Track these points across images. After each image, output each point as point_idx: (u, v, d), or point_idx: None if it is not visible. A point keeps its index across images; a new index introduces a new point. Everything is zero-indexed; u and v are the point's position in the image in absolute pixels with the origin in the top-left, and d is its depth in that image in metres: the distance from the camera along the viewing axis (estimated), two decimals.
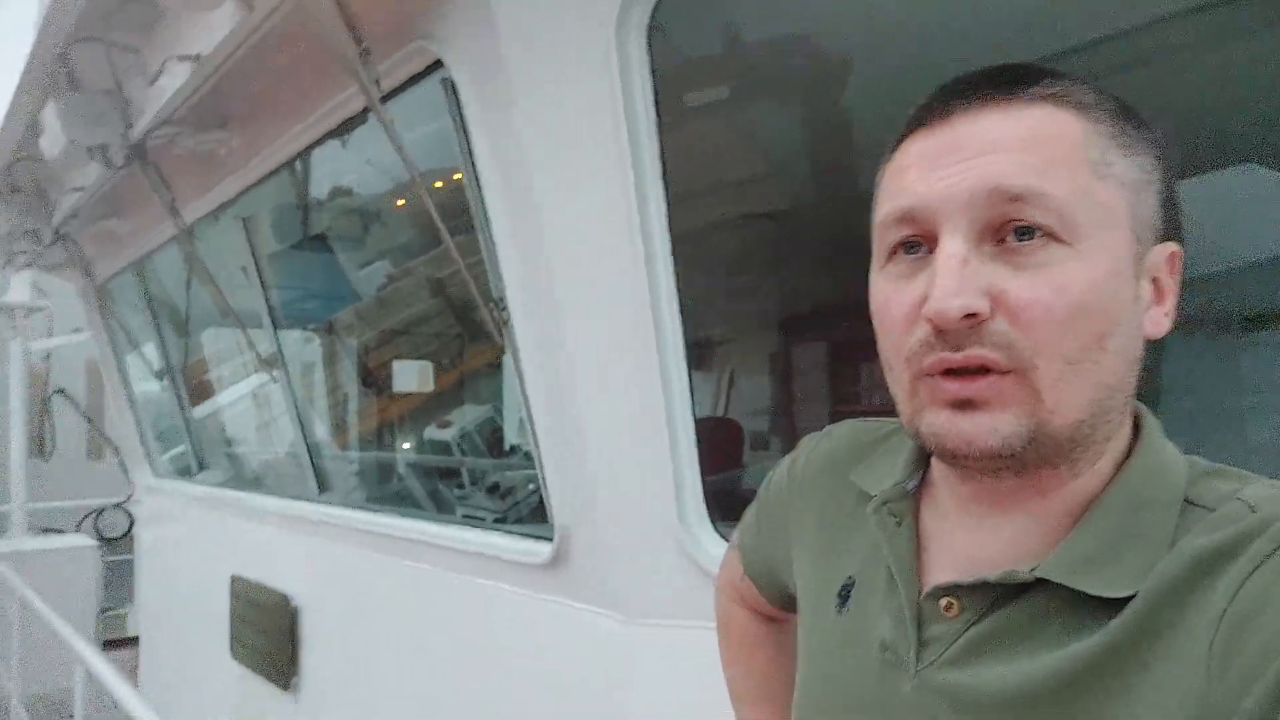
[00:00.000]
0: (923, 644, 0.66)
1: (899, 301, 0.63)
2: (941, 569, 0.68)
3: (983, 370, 0.59)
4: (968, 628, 0.63)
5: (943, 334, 0.59)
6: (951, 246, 0.59)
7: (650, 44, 1.48)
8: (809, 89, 2.17)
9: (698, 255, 3.17)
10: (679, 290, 1.55)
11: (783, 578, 0.90)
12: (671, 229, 1.54)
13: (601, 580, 1.73)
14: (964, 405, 0.59)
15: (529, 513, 2.40)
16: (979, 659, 0.62)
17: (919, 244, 0.62)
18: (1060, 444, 0.60)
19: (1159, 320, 0.63)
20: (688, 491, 1.57)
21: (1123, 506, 0.61)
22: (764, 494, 0.94)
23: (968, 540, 0.67)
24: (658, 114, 1.50)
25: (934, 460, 0.71)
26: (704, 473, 1.62)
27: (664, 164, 1.52)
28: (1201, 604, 0.54)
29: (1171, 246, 0.64)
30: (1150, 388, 0.65)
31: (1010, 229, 0.59)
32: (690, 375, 1.59)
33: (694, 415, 1.60)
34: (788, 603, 0.90)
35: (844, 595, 0.75)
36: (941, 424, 0.60)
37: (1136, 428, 0.66)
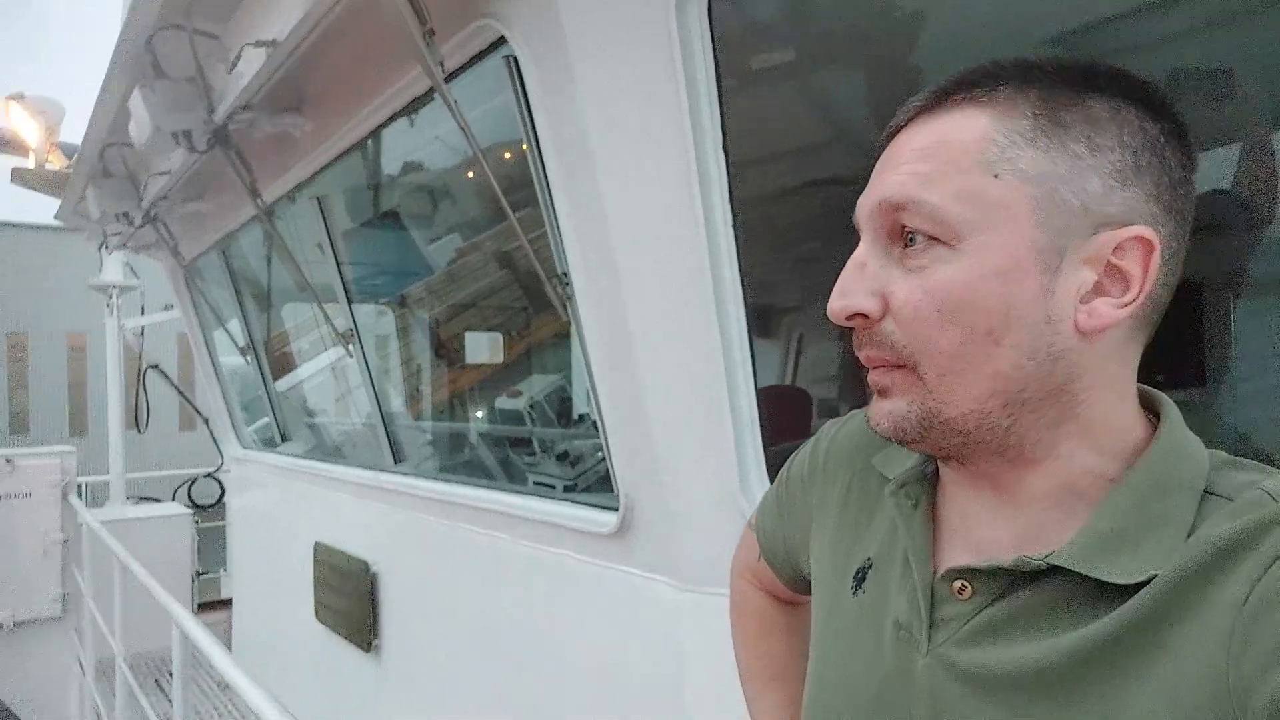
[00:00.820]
0: (935, 624, 0.67)
1: None
2: (958, 551, 0.69)
3: (887, 363, 0.66)
4: (980, 610, 0.64)
5: (856, 332, 0.67)
6: (857, 252, 0.67)
7: (711, 13, 1.47)
8: (877, 48, 2.13)
9: (765, 222, 3.16)
10: (740, 259, 1.55)
11: (799, 561, 0.91)
12: (734, 198, 1.54)
13: (665, 549, 1.76)
14: (879, 392, 0.67)
15: (597, 480, 2.44)
16: (992, 640, 0.63)
17: None
18: (968, 432, 0.63)
19: (1099, 311, 0.60)
20: (749, 460, 1.58)
21: (1141, 493, 0.60)
22: (784, 478, 0.95)
23: (982, 524, 0.68)
24: (719, 85, 1.50)
25: None
26: (771, 441, 1.62)
27: (725, 135, 1.52)
28: (1221, 590, 0.54)
29: (1134, 230, 0.60)
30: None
31: (905, 236, 0.63)
32: (752, 344, 1.59)
33: (755, 384, 1.60)
34: (803, 586, 0.91)
35: (860, 577, 0.77)
36: (870, 406, 0.69)
37: (1156, 415, 0.66)
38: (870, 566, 0.76)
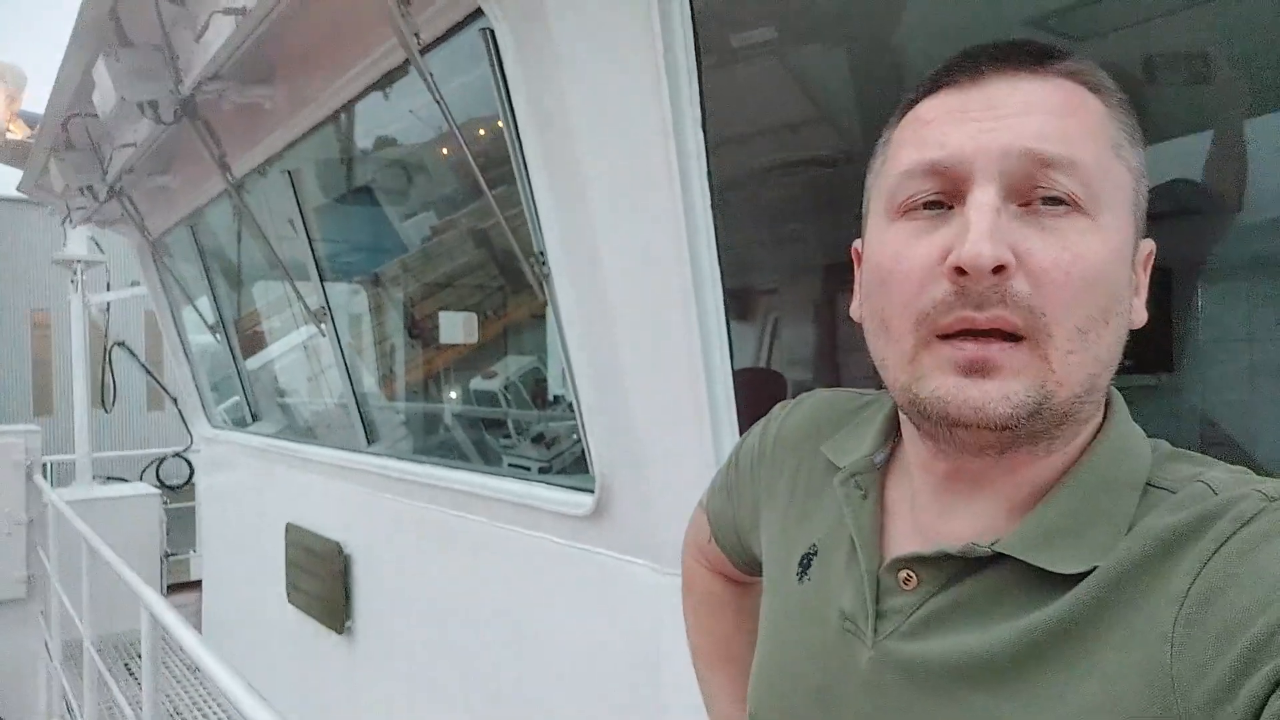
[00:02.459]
0: (881, 615, 0.66)
1: (913, 255, 0.61)
2: (904, 542, 0.68)
3: (996, 335, 0.58)
4: (925, 600, 0.64)
5: (965, 292, 0.57)
6: (984, 196, 0.58)
7: None
8: (860, 27, 2.12)
9: (743, 202, 3.14)
10: (718, 241, 1.54)
11: (749, 543, 0.90)
12: (713, 178, 1.53)
13: (641, 531, 1.75)
14: (975, 370, 0.58)
15: (573, 462, 2.43)
16: (936, 631, 0.62)
17: (940, 202, 0.61)
18: (1058, 417, 0.59)
19: (1140, 310, 0.63)
20: (726, 442, 1.57)
21: (1087, 486, 0.61)
22: (734, 460, 0.94)
23: (932, 515, 0.67)
24: (698, 63, 1.48)
25: (906, 437, 0.71)
26: (745, 424, 1.62)
27: (704, 114, 1.50)
28: (1163, 582, 0.54)
29: (1151, 243, 0.64)
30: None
31: (1038, 195, 0.58)
32: (729, 326, 1.58)
33: (732, 366, 1.59)
34: (753, 567, 0.91)
35: (805, 564, 0.76)
36: (949, 389, 0.58)
37: (1105, 406, 0.65)
38: (815, 553, 0.75)
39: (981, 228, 0.56)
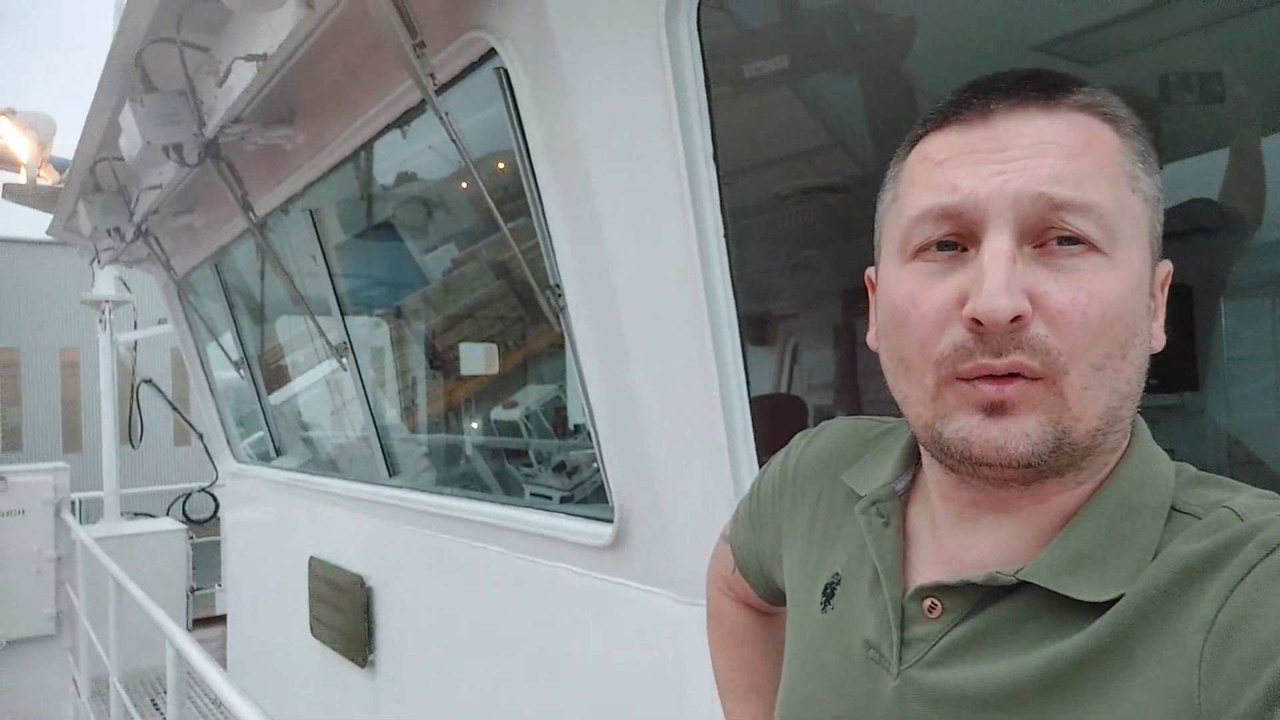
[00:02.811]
0: (905, 644, 0.66)
1: (929, 298, 0.61)
2: (927, 570, 0.68)
3: (1013, 375, 0.58)
4: (950, 629, 0.64)
5: (983, 338, 0.58)
6: (999, 244, 0.58)
7: (700, 25, 1.47)
8: (871, 55, 2.13)
9: (759, 230, 3.15)
10: (733, 269, 1.55)
11: (772, 573, 0.90)
12: (725, 208, 1.54)
13: (661, 561, 1.75)
14: (995, 410, 0.58)
15: (595, 490, 2.43)
16: (961, 660, 0.62)
17: (954, 242, 0.61)
18: (1079, 452, 0.59)
19: (1158, 334, 0.63)
20: (744, 471, 1.57)
21: (1111, 512, 0.60)
22: (755, 490, 0.94)
23: (955, 542, 0.67)
24: (709, 95, 1.50)
25: (927, 465, 0.70)
26: (766, 451, 1.61)
27: (715, 145, 1.51)
28: (1190, 609, 0.54)
29: (1168, 265, 0.64)
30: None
31: (1053, 236, 0.58)
32: (745, 354, 1.59)
33: (749, 394, 1.59)
34: (777, 597, 0.90)
35: (829, 593, 0.76)
36: (972, 429, 0.59)
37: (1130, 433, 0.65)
38: (839, 582, 0.75)
39: (997, 280, 0.57)
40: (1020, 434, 0.57)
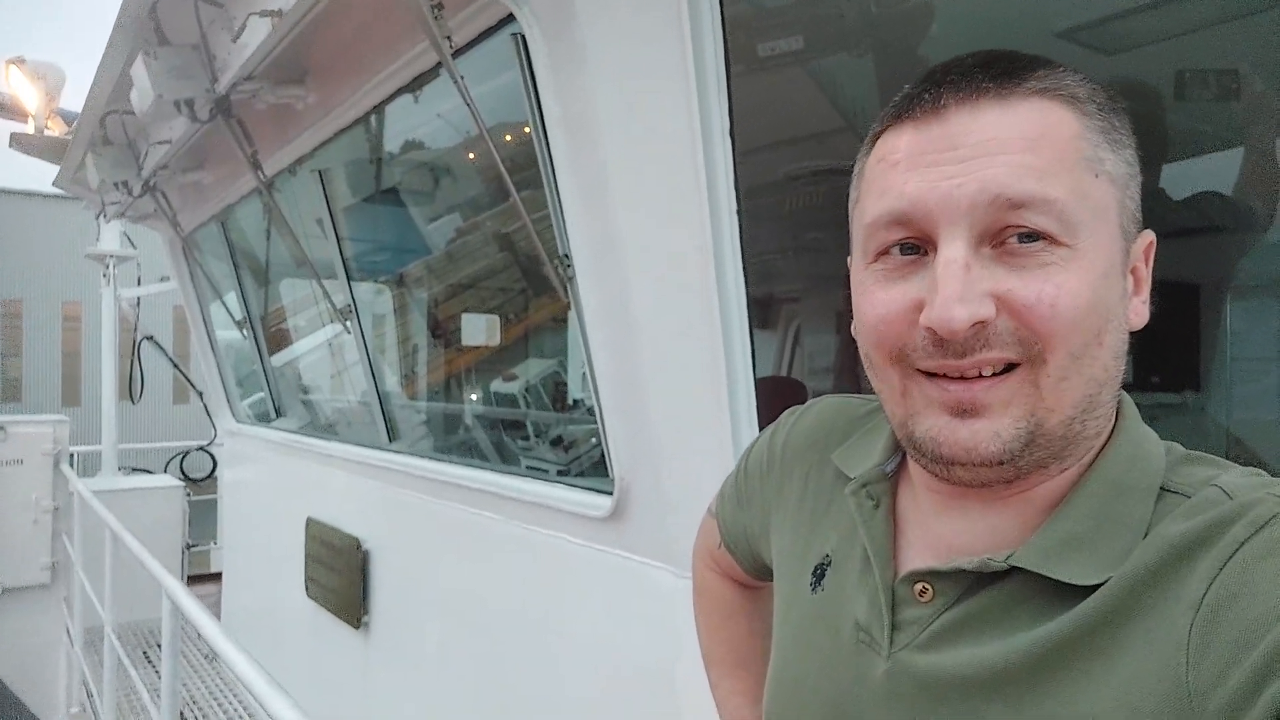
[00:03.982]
0: (896, 627, 0.66)
1: (887, 301, 0.62)
2: (918, 553, 0.69)
3: (982, 374, 0.58)
4: (941, 613, 0.64)
5: (943, 342, 0.58)
6: (952, 252, 0.58)
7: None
8: (887, 38, 2.12)
9: (766, 211, 3.14)
10: (744, 247, 1.55)
11: (759, 549, 0.91)
12: (739, 185, 1.53)
13: (660, 534, 1.76)
14: (964, 410, 0.59)
15: (590, 466, 2.45)
16: (952, 643, 0.62)
17: (914, 245, 0.61)
18: (1054, 443, 0.59)
19: (1140, 310, 0.63)
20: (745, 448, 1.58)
21: (1100, 494, 0.61)
22: (743, 465, 0.94)
23: (944, 526, 0.67)
24: (727, 69, 1.49)
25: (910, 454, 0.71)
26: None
27: (732, 121, 1.51)
28: (1178, 589, 0.54)
29: (1150, 235, 0.64)
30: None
31: (1011, 234, 0.58)
32: (752, 333, 1.59)
33: (754, 373, 1.60)
34: (764, 572, 0.91)
35: (819, 574, 0.76)
36: (941, 430, 0.60)
37: (1115, 413, 0.65)
38: (829, 563, 0.76)
39: (949, 291, 0.57)
40: (990, 434, 0.58)
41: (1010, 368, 0.58)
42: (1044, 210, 0.57)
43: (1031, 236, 0.57)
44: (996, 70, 0.60)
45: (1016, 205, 0.57)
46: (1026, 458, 0.59)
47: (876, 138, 0.66)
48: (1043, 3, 1.83)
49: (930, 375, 0.60)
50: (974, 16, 1.98)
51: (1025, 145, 0.58)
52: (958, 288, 0.57)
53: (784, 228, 3.42)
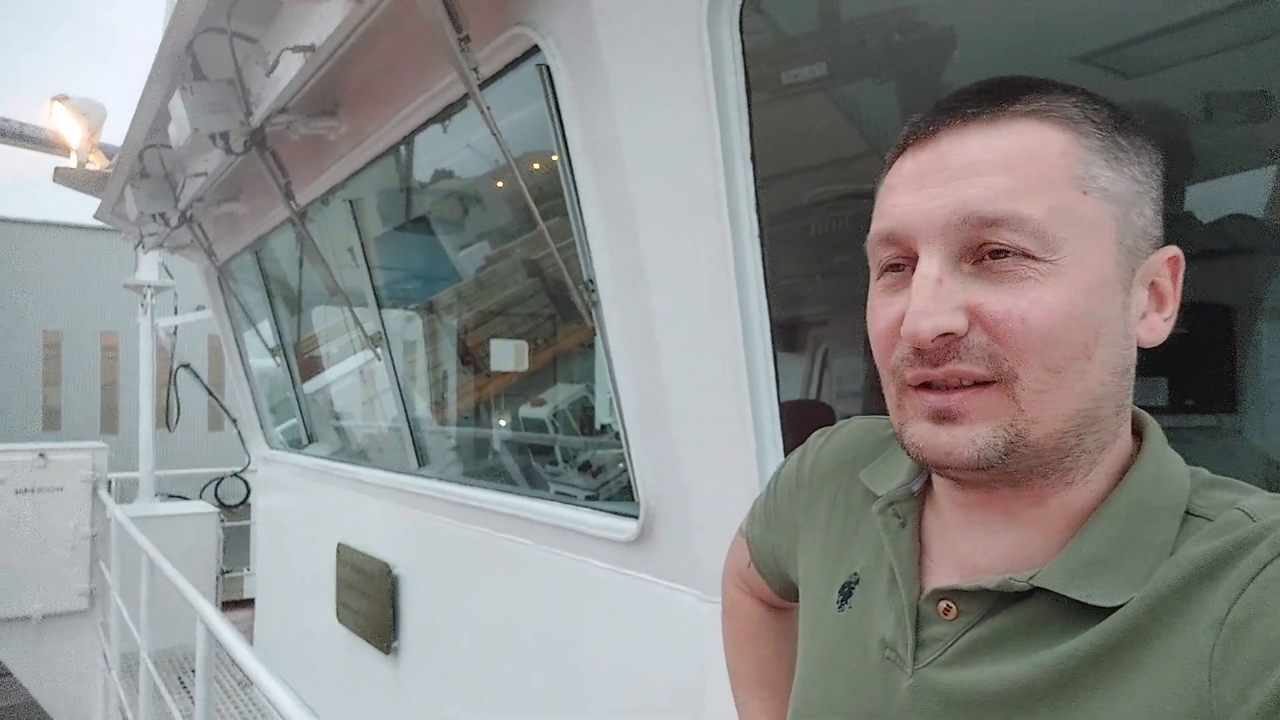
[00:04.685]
0: (921, 644, 0.67)
1: (883, 316, 0.65)
2: (942, 571, 0.69)
3: (961, 384, 0.60)
4: (965, 630, 0.64)
5: (921, 351, 0.61)
6: (926, 268, 0.61)
7: (743, 27, 1.48)
8: (910, 64, 2.13)
9: (793, 235, 3.15)
10: (766, 272, 1.56)
11: (788, 569, 0.91)
12: (761, 211, 1.55)
13: (686, 558, 1.76)
14: (943, 418, 0.61)
15: (619, 491, 2.45)
16: (976, 660, 0.63)
17: (904, 263, 0.64)
18: (1043, 454, 0.60)
19: (1156, 326, 0.64)
20: (771, 473, 1.58)
21: (1124, 516, 0.61)
22: (773, 486, 0.96)
23: (968, 544, 0.68)
24: (748, 98, 1.51)
25: None
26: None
27: (753, 148, 1.52)
28: (1201, 608, 0.54)
29: (1171, 250, 0.64)
30: None
31: (987, 250, 0.59)
32: (776, 357, 1.60)
33: (779, 397, 1.60)
34: (791, 593, 0.92)
35: (846, 592, 0.77)
36: (922, 435, 0.63)
37: (1139, 435, 0.65)
38: (857, 582, 0.76)
39: (917, 304, 0.60)
40: (966, 440, 0.60)
41: (987, 385, 0.60)
42: (1017, 228, 0.59)
43: (1005, 253, 0.59)
44: (990, 96, 0.63)
45: (990, 223, 0.59)
46: (1012, 464, 0.60)
47: (889, 165, 0.69)
48: (1064, 27, 1.83)
49: (916, 388, 0.63)
50: (996, 42, 1.98)
51: (1004, 165, 0.60)
52: (927, 301, 0.60)
53: (811, 252, 3.43)
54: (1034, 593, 0.61)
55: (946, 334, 0.59)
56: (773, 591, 0.97)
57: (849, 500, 0.82)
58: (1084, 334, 0.59)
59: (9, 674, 5.94)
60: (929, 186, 0.62)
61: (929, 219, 0.61)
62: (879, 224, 0.65)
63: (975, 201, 0.59)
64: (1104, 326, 0.60)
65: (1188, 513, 0.60)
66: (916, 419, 0.63)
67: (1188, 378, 2.10)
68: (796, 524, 0.88)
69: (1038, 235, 0.58)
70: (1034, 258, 0.59)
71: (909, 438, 0.64)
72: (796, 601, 0.88)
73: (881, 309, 0.65)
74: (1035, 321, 0.58)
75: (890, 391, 0.66)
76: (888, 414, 0.85)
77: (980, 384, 0.60)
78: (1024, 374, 0.59)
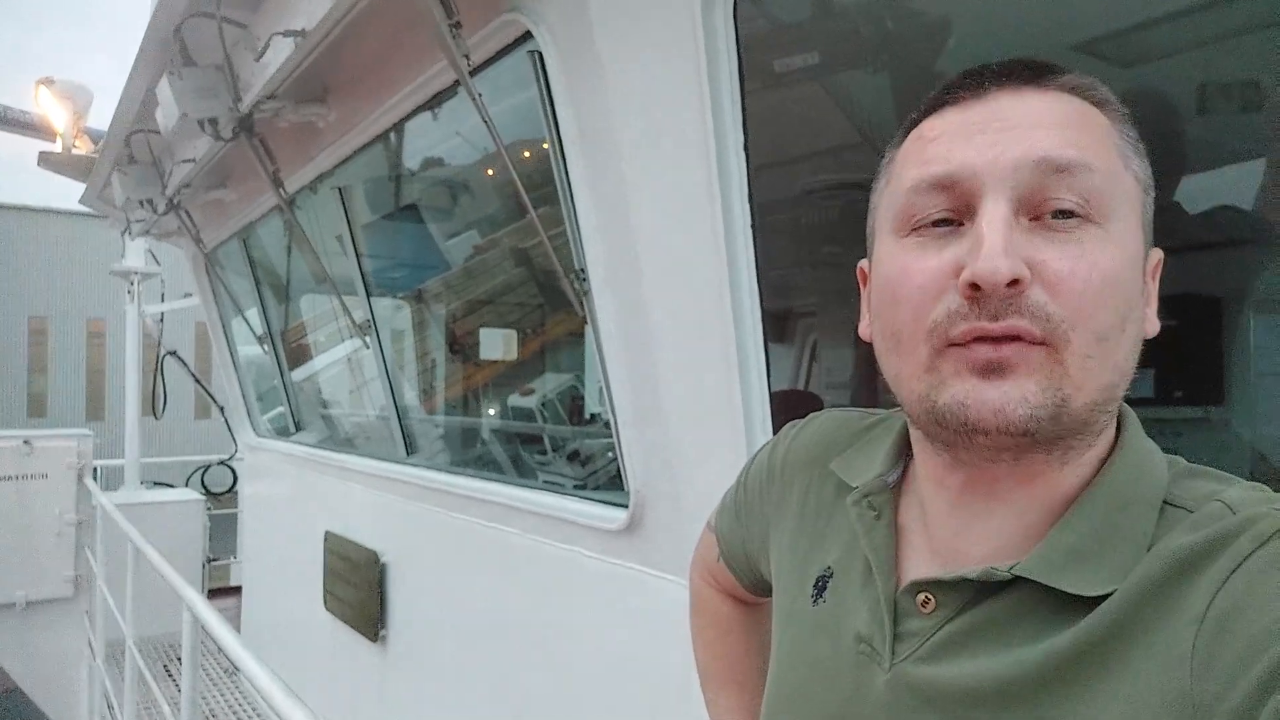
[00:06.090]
0: (898, 638, 0.66)
1: (922, 269, 0.61)
2: (919, 563, 0.68)
3: (1012, 338, 0.57)
4: (944, 624, 0.63)
5: (978, 303, 0.57)
6: (998, 210, 0.58)
7: (736, 15, 1.47)
8: (904, 54, 2.12)
9: (783, 225, 3.15)
10: (758, 261, 1.56)
11: (757, 563, 0.90)
12: (754, 201, 1.54)
13: (675, 548, 1.76)
14: (992, 372, 0.57)
15: (608, 480, 2.45)
16: (954, 655, 0.62)
17: (948, 219, 0.61)
18: (1075, 425, 0.58)
19: (1152, 320, 0.63)
20: None
21: (1104, 505, 0.60)
22: (743, 479, 0.94)
23: (947, 534, 0.67)
24: (742, 87, 1.50)
25: (918, 453, 0.70)
26: None
27: (746, 137, 1.52)
28: (1182, 603, 0.54)
29: (1159, 253, 0.64)
30: None
31: (1049, 209, 0.58)
32: (767, 347, 1.59)
33: (770, 387, 1.60)
34: (761, 588, 0.90)
35: (820, 586, 0.75)
36: (968, 393, 0.57)
37: (1118, 424, 0.65)
38: (830, 575, 0.75)
39: (995, 242, 0.56)
40: (1019, 397, 0.56)
41: (1035, 344, 0.57)
42: (1086, 178, 0.57)
43: (1067, 215, 0.58)
44: (1034, 66, 0.62)
45: (1061, 169, 0.57)
46: (1050, 430, 0.57)
47: (910, 128, 0.67)
48: (1060, 16, 1.83)
49: (965, 344, 0.58)
50: (990, 31, 1.98)
51: (1066, 122, 0.59)
52: (1003, 241, 0.56)
53: (801, 242, 3.43)
54: (1014, 583, 0.60)
55: (1017, 281, 0.56)
56: (742, 587, 0.96)
57: (821, 493, 0.80)
58: (1125, 305, 0.58)
59: None
60: (989, 133, 0.59)
61: (995, 163, 0.58)
62: (929, 169, 0.61)
63: (1047, 146, 0.58)
64: (1135, 302, 0.60)
65: (1167, 503, 0.60)
66: (957, 377, 0.58)
67: (1175, 369, 2.11)
68: (767, 517, 0.87)
69: (1100, 191, 0.58)
70: (1092, 220, 0.58)
71: (949, 398, 0.58)
72: (767, 596, 0.87)
73: (917, 263, 0.61)
74: (1094, 284, 0.56)
75: (918, 355, 0.61)
76: (876, 406, 0.84)
77: (1029, 343, 0.57)
78: (1076, 338, 0.56)
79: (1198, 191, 2.01)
